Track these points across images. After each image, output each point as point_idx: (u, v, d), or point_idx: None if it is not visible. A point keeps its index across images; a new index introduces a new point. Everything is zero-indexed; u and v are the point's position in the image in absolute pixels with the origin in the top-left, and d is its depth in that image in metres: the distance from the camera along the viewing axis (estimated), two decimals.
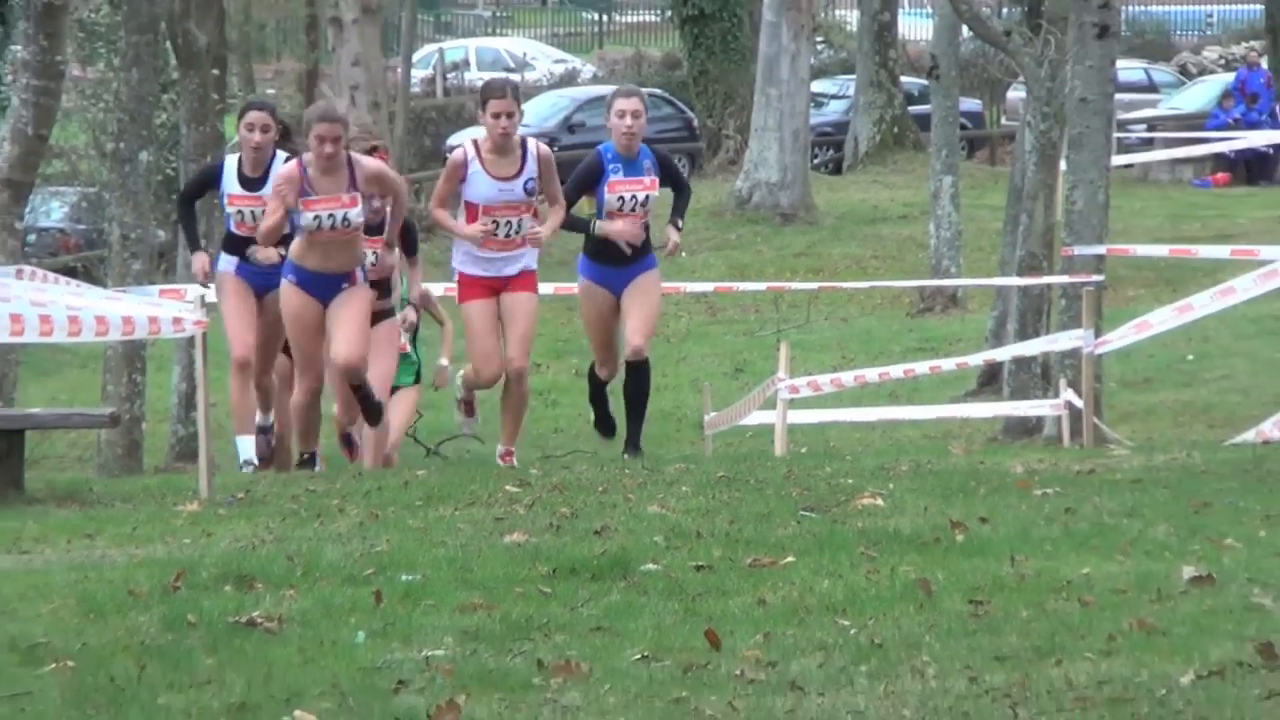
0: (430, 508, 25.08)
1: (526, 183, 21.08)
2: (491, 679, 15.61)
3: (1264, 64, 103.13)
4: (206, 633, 17.34)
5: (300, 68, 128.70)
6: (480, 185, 21.19)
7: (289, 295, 23.91)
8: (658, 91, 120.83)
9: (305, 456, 28.26)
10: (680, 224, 27.57)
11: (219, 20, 54.84)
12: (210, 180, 22.70)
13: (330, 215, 20.86)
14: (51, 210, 62.53)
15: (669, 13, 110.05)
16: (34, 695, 15.54)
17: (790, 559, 19.93)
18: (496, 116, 21.20)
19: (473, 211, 21.72)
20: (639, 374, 25.52)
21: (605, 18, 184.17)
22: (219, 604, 18.23)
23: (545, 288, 37.88)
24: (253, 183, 21.89)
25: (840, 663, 15.84)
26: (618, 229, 24.18)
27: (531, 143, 21.90)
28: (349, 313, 25.05)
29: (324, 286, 24.02)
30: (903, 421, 46.58)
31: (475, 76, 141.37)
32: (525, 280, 22.17)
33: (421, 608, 17.80)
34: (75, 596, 19.28)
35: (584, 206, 25.32)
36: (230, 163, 21.87)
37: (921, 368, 49.87)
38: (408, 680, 15.53)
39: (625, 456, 26.64)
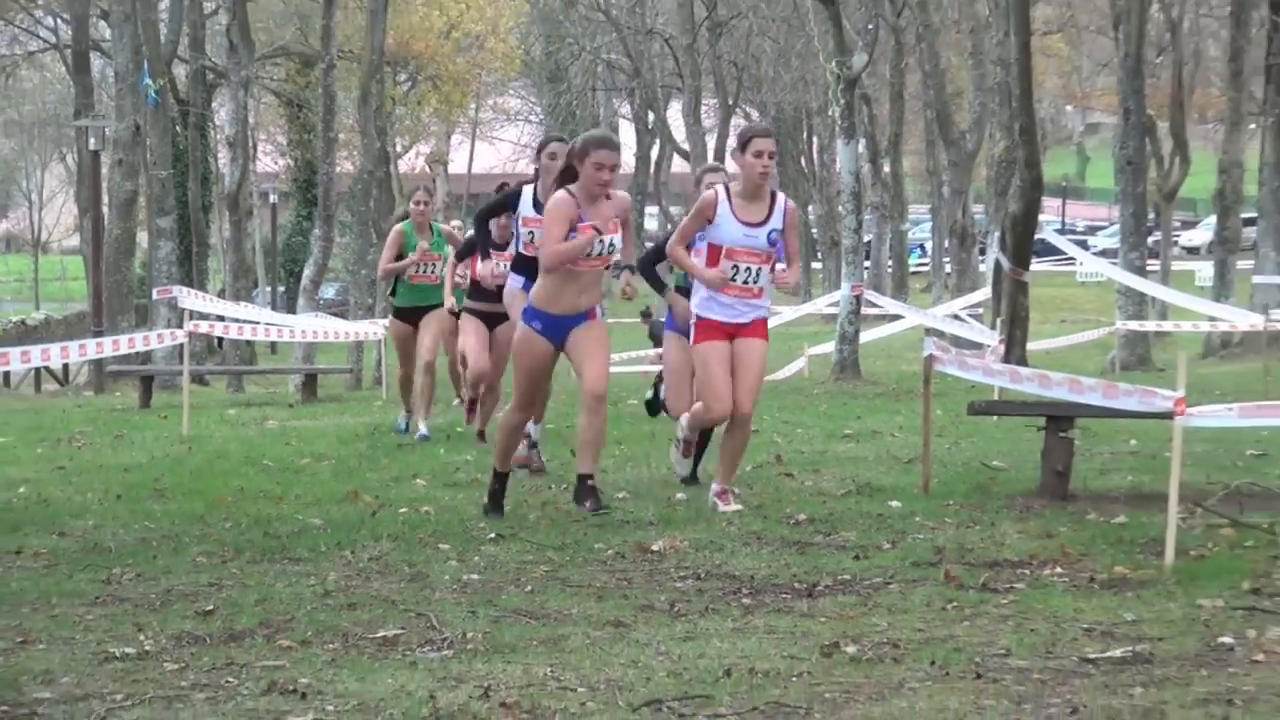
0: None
1: (770, 233, 12.68)
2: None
3: None
4: (385, 451, 17.17)
5: None
6: (727, 228, 12.63)
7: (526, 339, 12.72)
8: None
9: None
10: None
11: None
12: (509, 204, 14.94)
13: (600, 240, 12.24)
14: (329, 291, 60.68)
15: None
16: (316, 474, 15.39)
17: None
18: (758, 155, 12.59)
19: (715, 254, 12.83)
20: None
21: None
22: (390, 439, 18.02)
23: None
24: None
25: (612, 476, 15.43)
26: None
27: (782, 195, 13.06)
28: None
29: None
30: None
31: None
32: (758, 327, 13.11)
33: (466, 441, 17.55)
34: (335, 435, 19.03)
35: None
36: (526, 191, 14.89)
37: None
38: (460, 468, 15.30)
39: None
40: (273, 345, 46.94)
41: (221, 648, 8.10)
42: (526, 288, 13.72)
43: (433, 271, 18.22)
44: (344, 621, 8.64)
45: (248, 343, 40.71)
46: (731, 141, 12.90)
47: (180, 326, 24.79)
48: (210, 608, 9.04)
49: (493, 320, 16.94)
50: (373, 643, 8.17)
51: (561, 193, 12.17)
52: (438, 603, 9.14)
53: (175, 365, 28.96)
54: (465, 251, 17.24)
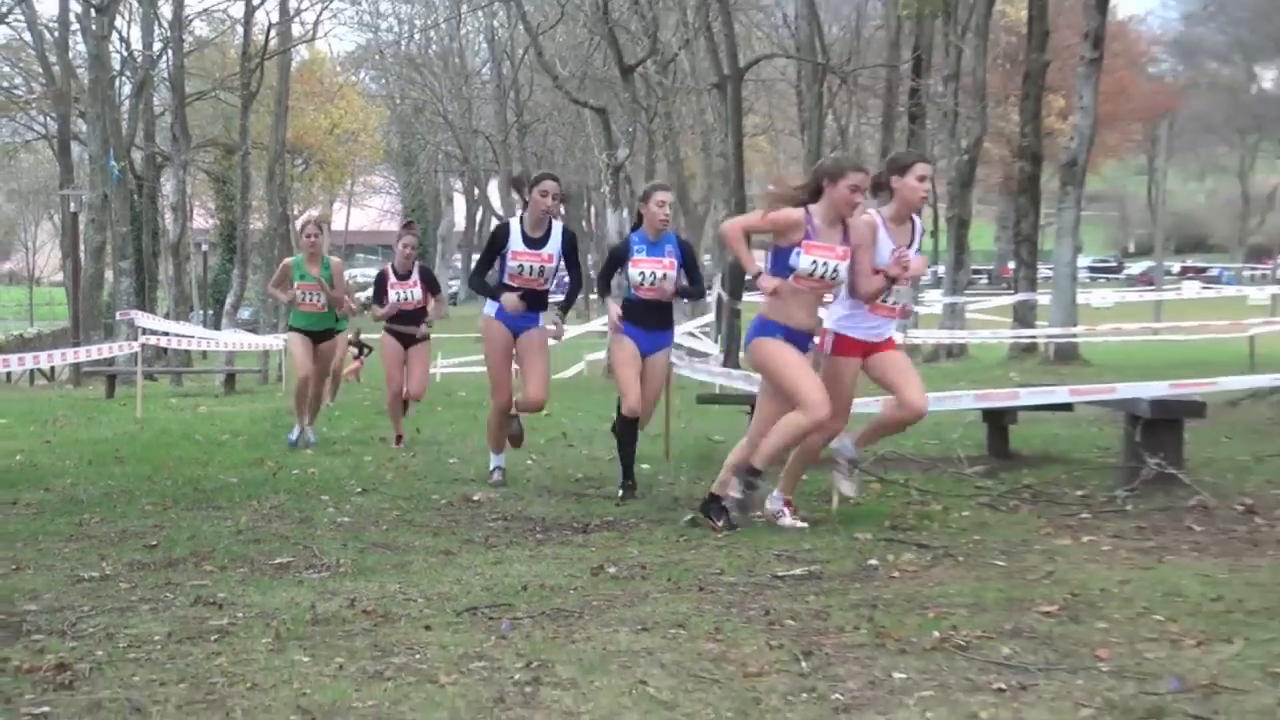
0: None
1: (915, 254, 9.41)
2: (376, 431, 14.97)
3: None
4: (283, 429, 16.85)
5: None
6: (885, 250, 9.24)
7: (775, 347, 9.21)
8: None
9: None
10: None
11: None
12: (501, 243, 11.12)
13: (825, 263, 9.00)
14: (245, 314, 59.63)
15: None
16: (233, 445, 15.14)
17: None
18: (921, 180, 9.24)
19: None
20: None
21: None
22: (288, 421, 17.77)
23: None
24: (534, 241, 11.09)
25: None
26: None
27: (915, 216, 9.52)
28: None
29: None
30: None
31: None
32: (891, 342, 9.57)
33: (345, 421, 17.31)
34: (247, 417, 18.74)
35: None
36: (514, 225, 11.19)
37: None
38: (338, 441, 15.05)
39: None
40: (204, 352, 46.03)
41: (162, 571, 7.98)
42: (499, 314, 11.28)
43: (317, 301, 15.02)
44: (251, 552, 8.54)
45: (185, 350, 40.13)
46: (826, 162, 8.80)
47: (136, 339, 24.40)
48: (154, 543, 8.91)
49: (408, 340, 14.93)
50: (271, 567, 8.08)
51: (793, 209, 8.95)
52: (319, 538, 9.05)
53: (132, 367, 28.36)
54: (377, 292, 14.86)
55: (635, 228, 11.03)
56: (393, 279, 14.86)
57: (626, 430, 11.08)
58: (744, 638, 6.16)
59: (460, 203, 75.46)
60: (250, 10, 48.10)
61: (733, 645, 6.04)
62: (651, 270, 10.79)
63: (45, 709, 5.27)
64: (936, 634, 6.13)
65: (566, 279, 11.58)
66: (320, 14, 76.22)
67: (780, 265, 8.94)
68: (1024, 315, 34.05)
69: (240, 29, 49.50)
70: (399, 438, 15.15)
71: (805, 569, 7.76)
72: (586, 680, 5.53)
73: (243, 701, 5.33)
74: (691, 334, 29.10)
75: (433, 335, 15.53)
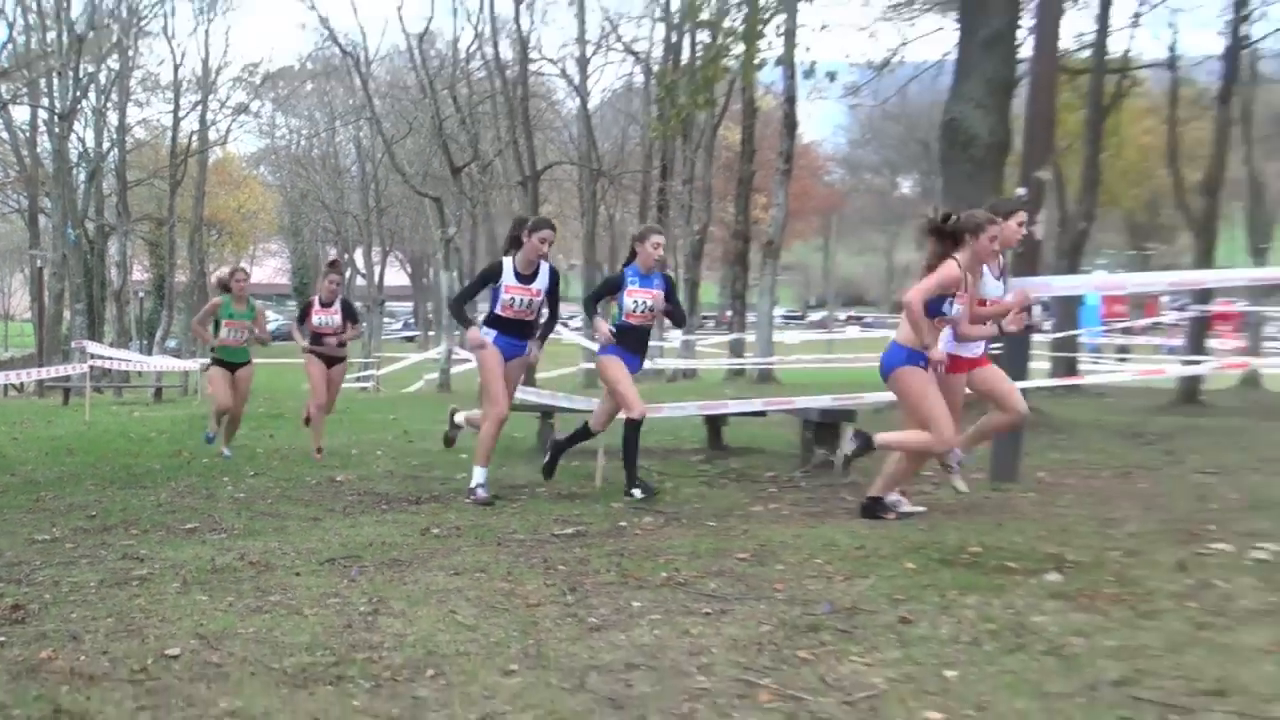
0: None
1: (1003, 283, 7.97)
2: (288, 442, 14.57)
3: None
4: (197, 429, 16.28)
5: None
6: (990, 281, 7.89)
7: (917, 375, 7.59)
8: None
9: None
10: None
11: None
12: (492, 277, 9.28)
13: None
14: (171, 344, 57.37)
15: None
16: (158, 441, 14.61)
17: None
18: (1021, 224, 7.75)
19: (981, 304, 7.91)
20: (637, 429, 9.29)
21: None
22: (200, 424, 17.11)
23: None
24: (525, 278, 9.19)
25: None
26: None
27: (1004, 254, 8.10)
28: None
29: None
30: None
31: None
32: (986, 359, 8.05)
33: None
34: (169, 421, 18.13)
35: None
36: (508, 262, 9.28)
37: None
38: (239, 439, 14.74)
39: (634, 494, 9.10)
40: (139, 372, 44.41)
41: (98, 535, 7.69)
42: (498, 341, 9.35)
43: (240, 337, 12.90)
44: (168, 519, 8.28)
45: (124, 370, 38.73)
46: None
47: (86, 362, 23.55)
48: (94, 513, 8.58)
49: (330, 362, 12.67)
50: (183, 531, 7.84)
51: (953, 264, 7.46)
52: (220, 509, 8.80)
53: (83, 383, 27.22)
54: (301, 316, 12.83)
55: (627, 263, 9.40)
56: (317, 307, 12.82)
57: (633, 433, 9.37)
58: (528, 579, 6.16)
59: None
60: (177, 121, 47.25)
61: (519, 584, 6.04)
62: (644, 299, 9.23)
63: (2, 639, 5.06)
64: (664, 574, 6.20)
65: (545, 310, 9.69)
66: (230, 125, 74.06)
67: (934, 310, 7.58)
68: (737, 348, 34.63)
69: (170, 134, 48.21)
70: (319, 449, 12.71)
71: (575, 529, 7.78)
72: (413, 611, 5.49)
73: (155, 630, 5.18)
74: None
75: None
